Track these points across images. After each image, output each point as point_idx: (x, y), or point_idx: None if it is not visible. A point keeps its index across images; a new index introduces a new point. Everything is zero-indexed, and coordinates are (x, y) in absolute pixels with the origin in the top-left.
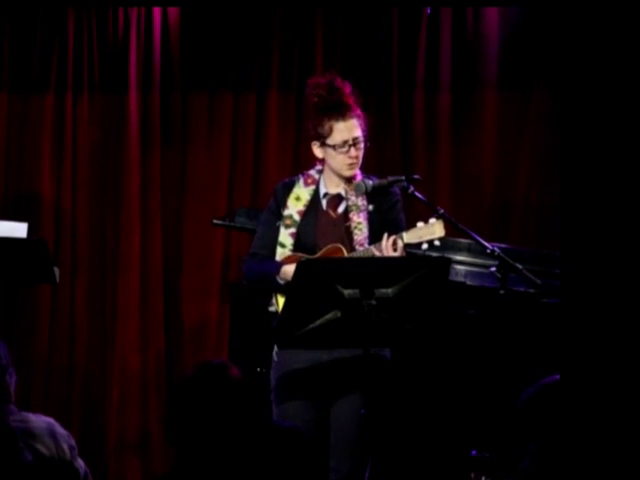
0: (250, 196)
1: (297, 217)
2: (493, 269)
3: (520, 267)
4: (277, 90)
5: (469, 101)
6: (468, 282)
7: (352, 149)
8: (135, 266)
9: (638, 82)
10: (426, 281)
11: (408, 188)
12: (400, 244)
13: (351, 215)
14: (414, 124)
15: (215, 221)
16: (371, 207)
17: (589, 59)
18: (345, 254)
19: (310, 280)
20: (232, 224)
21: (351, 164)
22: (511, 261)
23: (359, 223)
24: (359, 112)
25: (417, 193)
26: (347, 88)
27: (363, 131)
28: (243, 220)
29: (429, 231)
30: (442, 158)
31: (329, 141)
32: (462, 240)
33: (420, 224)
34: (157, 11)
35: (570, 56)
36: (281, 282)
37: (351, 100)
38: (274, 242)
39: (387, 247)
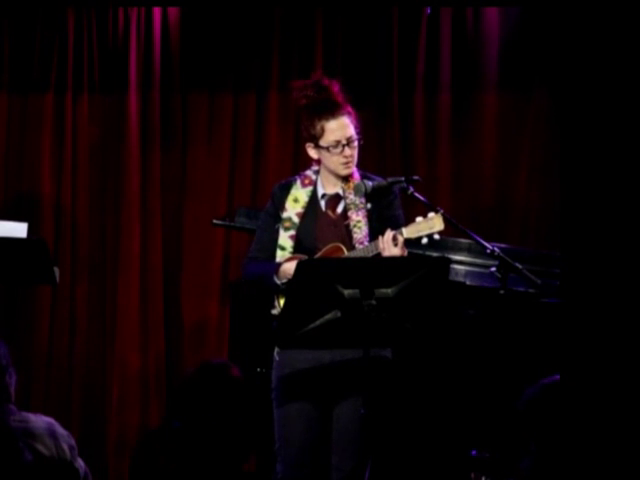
0: (250, 196)
1: (296, 219)
2: (493, 269)
3: (520, 267)
4: (277, 90)
5: (469, 101)
6: (468, 282)
7: (346, 148)
8: (135, 266)
9: (638, 82)
10: (426, 281)
11: (408, 189)
12: (400, 239)
13: (350, 214)
14: (414, 124)
15: (215, 221)
16: (369, 205)
17: (588, 59)
18: (345, 252)
19: (310, 280)
20: (232, 224)
21: (346, 163)
22: (511, 261)
23: (358, 221)
24: (349, 109)
25: (417, 194)
26: (335, 86)
27: (355, 128)
28: (243, 220)
29: (428, 225)
30: (442, 158)
31: (322, 142)
32: (462, 240)
33: (419, 219)
34: (157, 11)
35: (569, 56)
36: (278, 282)
37: (340, 98)
38: (273, 245)
39: (387, 242)
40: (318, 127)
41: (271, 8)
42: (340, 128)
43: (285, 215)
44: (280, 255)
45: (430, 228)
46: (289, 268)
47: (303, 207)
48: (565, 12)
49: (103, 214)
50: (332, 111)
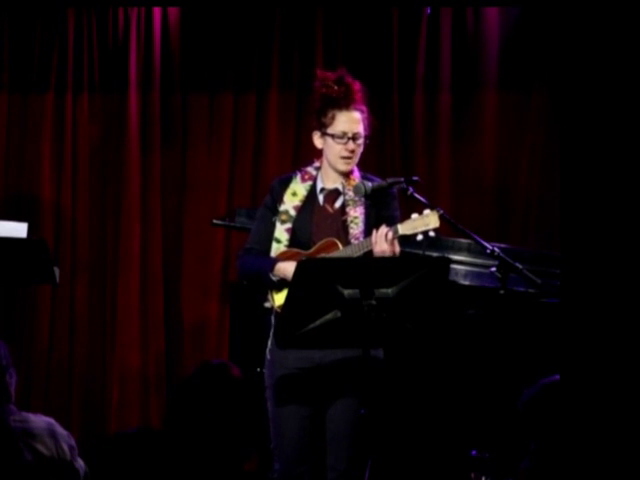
0: (250, 196)
1: (293, 212)
2: (493, 269)
3: (520, 267)
4: (277, 90)
5: (469, 101)
6: (468, 282)
7: (350, 142)
8: (135, 266)
9: (638, 82)
10: (426, 281)
11: (407, 190)
12: (390, 236)
13: (348, 209)
14: (414, 124)
15: (215, 221)
16: (368, 203)
17: (588, 59)
18: (340, 247)
19: (310, 280)
20: (232, 224)
21: (347, 157)
22: (511, 261)
23: (355, 217)
24: (364, 108)
25: (416, 194)
26: (357, 85)
27: (365, 129)
28: (243, 220)
29: (423, 222)
30: (442, 158)
31: (329, 130)
32: (462, 240)
33: (414, 215)
34: (157, 11)
35: (570, 56)
36: (274, 279)
37: (358, 96)
38: (269, 237)
39: (380, 237)
40: (329, 115)
41: (271, 8)
42: (350, 121)
43: (282, 208)
44: (275, 248)
45: (425, 225)
46: (286, 268)
47: (301, 201)
48: (565, 12)
49: (103, 214)
50: (347, 103)
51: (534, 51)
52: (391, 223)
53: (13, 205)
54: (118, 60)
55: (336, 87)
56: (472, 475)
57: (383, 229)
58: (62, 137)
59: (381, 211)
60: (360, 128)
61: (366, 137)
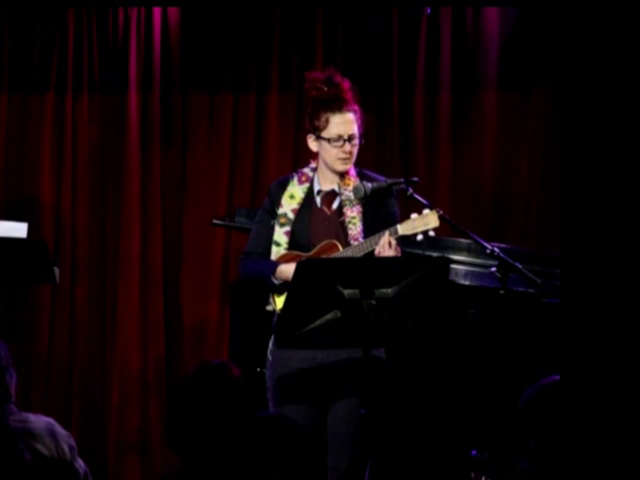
0: (250, 196)
1: (291, 215)
2: (493, 269)
3: (520, 267)
4: (277, 90)
5: (469, 101)
6: (468, 282)
7: (346, 144)
8: (135, 266)
9: (638, 82)
10: (426, 281)
11: (407, 190)
12: (393, 243)
13: (345, 210)
14: (414, 124)
15: (215, 221)
16: (364, 201)
17: (589, 59)
18: (340, 249)
19: (310, 280)
20: (232, 224)
21: (344, 159)
22: (511, 261)
23: (353, 217)
24: (356, 107)
25: (416, 195)
26: (346, 84)
27: (359, 127)
28: (243, 220)
29: (423, 222)
30: (442, 158)
31: (324, 134)
32: (462, 240)
33: (414, 215)
34: (157, 11)
35: (570, 56)
36: (276, 282)
37: (349, 95)
38: (269, 241)
39: (384, 247)
40: (323, 119)
41: (271, 8)
42: (344, 123)
43: (281, 211)
44: (275, 251)
45: (425, 225)
46: (286, 270)
47: (299, 203)
48: (565, 12)
49: (103, 214)
50: (339, 105)
51: (534, 51)
52: (389, 220)
53: (13, 205)
54: (118, 60)
55: (326, 88)
56: (472, 475)
57: (385, 237)
58: (62, 137)
59: (379, 208)
60: (355, 129)
61: (361, 136)
